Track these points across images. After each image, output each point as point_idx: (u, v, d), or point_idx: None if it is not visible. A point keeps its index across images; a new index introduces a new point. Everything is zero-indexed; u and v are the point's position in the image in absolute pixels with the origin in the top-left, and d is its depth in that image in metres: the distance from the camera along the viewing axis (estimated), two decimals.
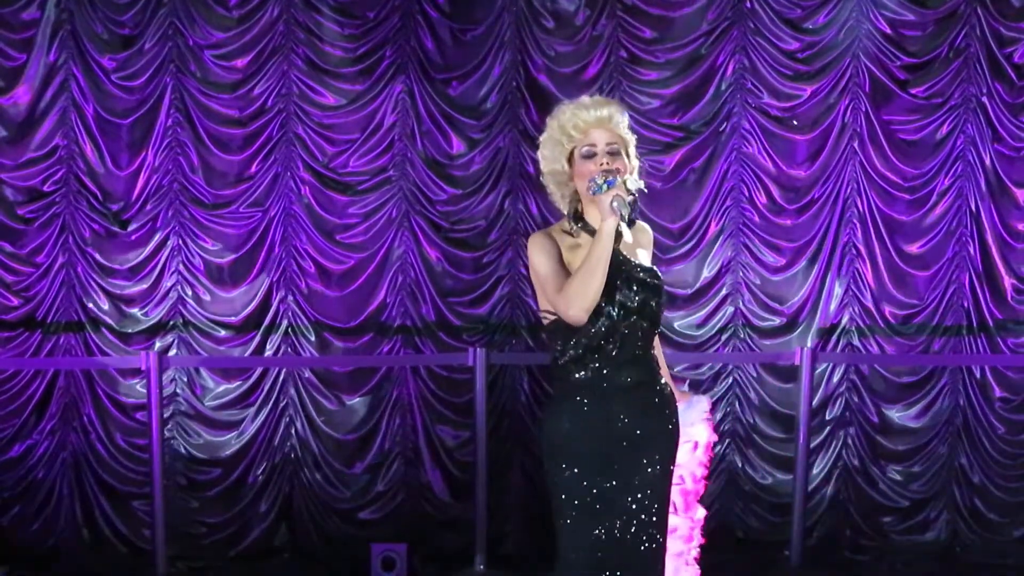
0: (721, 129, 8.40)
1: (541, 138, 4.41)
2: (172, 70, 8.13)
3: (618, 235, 4.19)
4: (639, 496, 4.35)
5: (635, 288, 4.30)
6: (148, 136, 8.14)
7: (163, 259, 8.19)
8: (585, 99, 4.32)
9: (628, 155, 4.33)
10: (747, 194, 8.47)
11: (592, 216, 4.29)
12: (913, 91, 8.43)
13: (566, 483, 4.40)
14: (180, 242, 8.20)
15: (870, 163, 8.46)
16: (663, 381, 4.46)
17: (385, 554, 7.70)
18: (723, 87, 8.43)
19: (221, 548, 8.23)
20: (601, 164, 4.24)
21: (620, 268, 4.27)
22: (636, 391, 4.35)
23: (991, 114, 8.41)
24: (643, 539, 4.35)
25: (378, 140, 8.29)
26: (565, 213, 4.39)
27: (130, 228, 8.16)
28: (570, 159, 4.30)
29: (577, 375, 4.34)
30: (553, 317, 4.30)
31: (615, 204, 4.11)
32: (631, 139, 4.37)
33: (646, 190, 4.42)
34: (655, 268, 4.43)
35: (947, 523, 8.53)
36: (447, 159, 8.36)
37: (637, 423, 4.34)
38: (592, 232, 4.24)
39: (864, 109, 8.42)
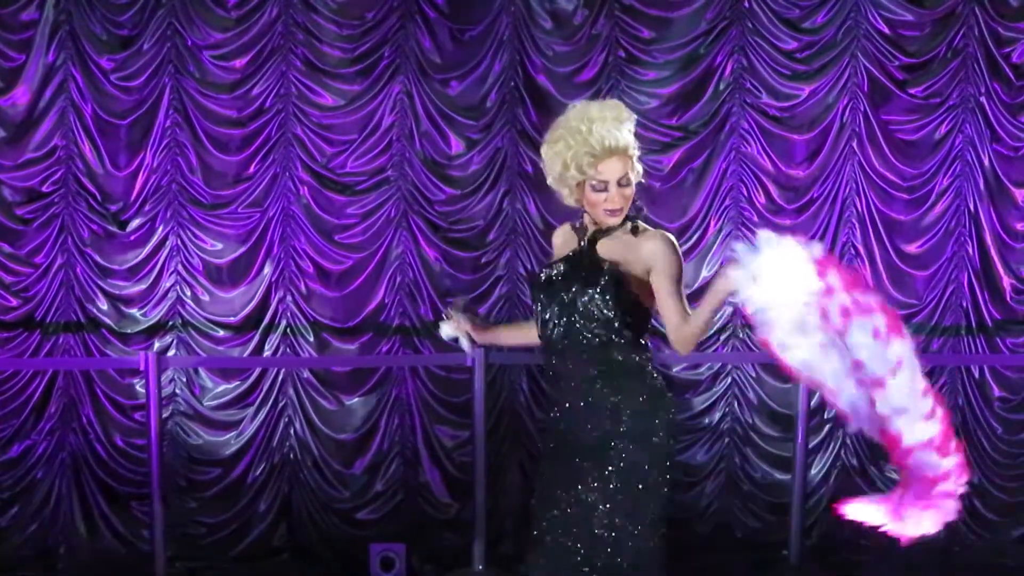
0: (720, 129, 8.40)
1: (543, 150, 4.41)
2: (171, 70, 8.13)
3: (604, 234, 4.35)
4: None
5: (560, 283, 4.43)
6: (147, 137, 8.14)
7: (162, 259, 8.19)
8: (596, 127, 4.26)
9: (632, 169, 4.40)
10: (746, 194, 8.47)
11: (604, 224, 4.43)
12: (912, 91, 8.43)
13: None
14: (179, 242, 8.20)
15: (869, 163, 8.46)
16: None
17: (384, 554, 7.70)
18: (722, 87, 8.43)
19: (220, 548, 8.23)
20: (614, 200, 4.33)
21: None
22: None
23: (989, 114, 8.42)
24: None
25: (376, 140, 8.30)
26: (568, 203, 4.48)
27: (129, 228, 8.16)
28: (578, 187, 4.35)
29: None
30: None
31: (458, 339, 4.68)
32: (635, 153, 4.40)
33: (644, 182, 4.47)
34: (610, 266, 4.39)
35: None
36: (446, 159, 8.37)
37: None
38: (603, 232, 4.44)
39: (863, 109, 8.43)
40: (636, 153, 4.41)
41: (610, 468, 4.38)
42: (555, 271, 4.45)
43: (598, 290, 4.33)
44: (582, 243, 4.44)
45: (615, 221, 4.41)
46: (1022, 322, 8.56)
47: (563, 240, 4.60)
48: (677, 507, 8.26)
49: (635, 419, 4.38)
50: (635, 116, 4.48)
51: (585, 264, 4.40)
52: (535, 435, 8.41)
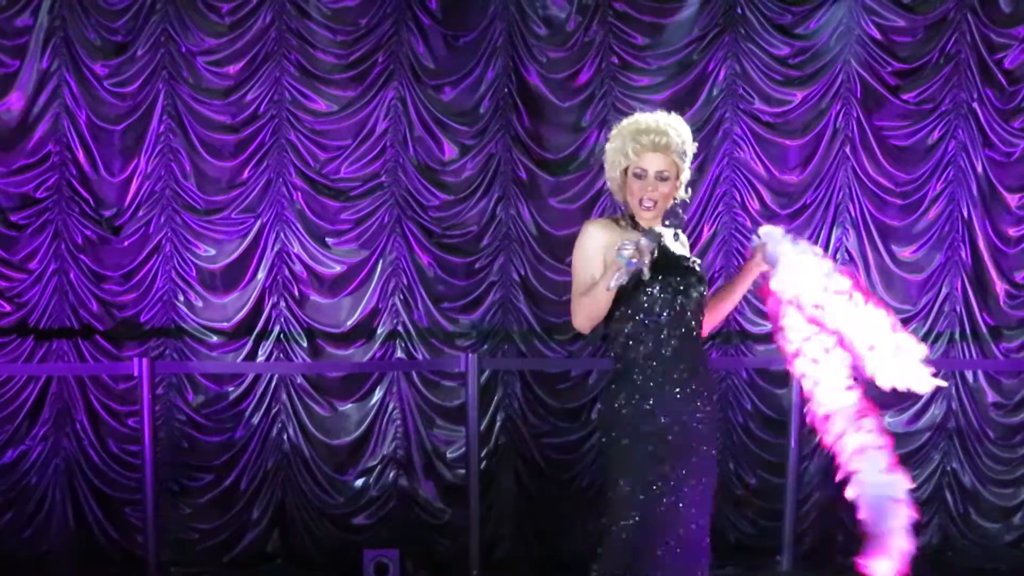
0: (713, 135, 8.41)
1: (607, 147, 4.68)
2: (164, 76, 8.14)
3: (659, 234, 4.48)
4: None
5: (679, 273, 4.60)
6: (140, 142, 8.15)
7: (155, 265, 8.19)
8: (648, 120, 4.59)
9: (679, 181, 4.62)
10: (739, 199, 8.48)
11: (640, 217, 4.62)
12: (904, 97, 8.45)
13: None
14: (172, 248, 8.20)
15: (862, 168, 8.48)
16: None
17: (378, 560, 7.70)
18: (715, 93, 8.45)
19: (214, 554, 8.23)
20: (644, 190, 4.56)
21: (667, 256, 4.58)
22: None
23: (982, 119, 8.44)
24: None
25: (370, 146, 8.31)
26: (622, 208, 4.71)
27: (122, 234, 8.17)
28: (624, 172, 4.61)
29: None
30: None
31: (615, 279, 4.34)
32: (685, 165, 4.61)
33: (688, 201, 4.72)
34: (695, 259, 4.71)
35: (939, 528, 8.54)
36: (439, 165, 8.38)
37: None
38: (640, 230, 4.56)
39: (855, 114, 8.44)
40: (683, 164, 4.60)
41: (712, 454, 4.67)
42: (675, 258, 4.61)
43: (705, 283, 4.67)
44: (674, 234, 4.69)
45: (649, 215, 4.61)
46: (1016, 327, 8.57)
47: (608, 232, 4.62)
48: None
49: (715, 409, 4.71)
50: (694, 141, 4.68)
51: (688, 257, 4.69)
52: (529, 440, 8.41)
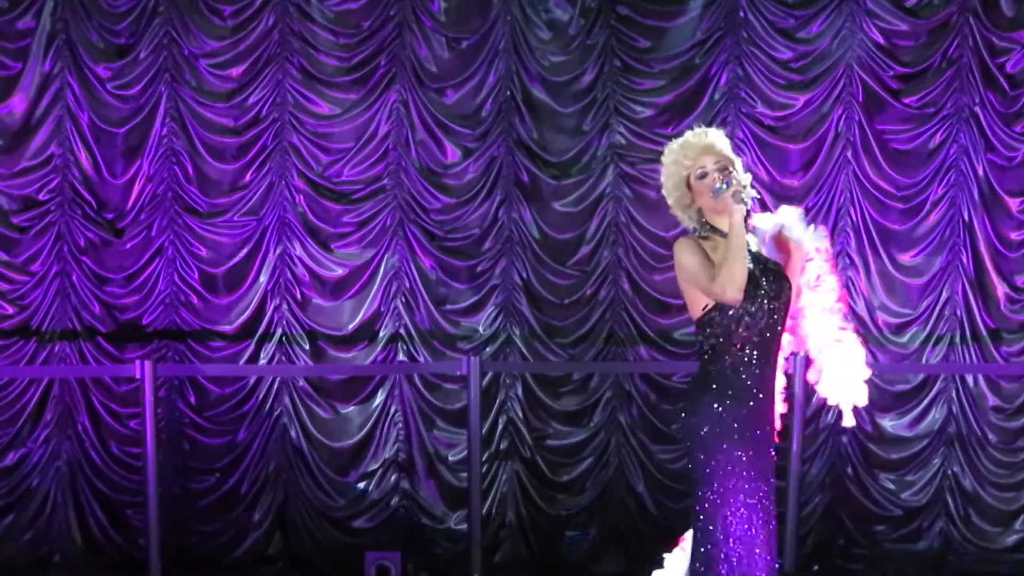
0: None
1: (661, 179, 4.87)
2: (167, 79, 8.15)
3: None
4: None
5: (770, 277, 4.74)
6: (143, 145, 8.16)
7: (158, 268, 8.20)
8: (687, 133, 4.86)
9: (736, 170, 4.75)
10: None
11: (718, 222, 4.73)
12: (906, 101, 8.45)
13: None
14: (175, 251, 8.21)
15: (863, 172, 8.48)
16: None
17: (379, 562, 7.71)
18: (717, 96, 8.45)
19: (215, 556, 8.23)
20: (714, 179, 4.70)
21: (756, 261, 4.75)
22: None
23: (984, 124, 8.44)
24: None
25: (372, 149, 8.31)
26: (691, 230, 4.84)
27: (125, 237, 8.17)
28: (688, 184, 4.78)
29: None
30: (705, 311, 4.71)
31: (737, 196, 4.58)
32: (736, 159, 4.80)
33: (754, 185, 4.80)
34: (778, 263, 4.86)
35: (940, 531, 8.54)
36: (441, 168, 8.38)
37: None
38: (722, 234, 4.69)
39: (857, 118, 8.44)
40: (733, 156, 4.78)
41: None
42: (758, 266, 4.73)
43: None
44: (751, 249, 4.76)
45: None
46: (1017, 331, 8.58)
47: (698, 244, 4.74)
48: (671, 515, 8.29)
49: None
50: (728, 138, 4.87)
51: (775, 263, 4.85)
52: (531, 443, 8.42)
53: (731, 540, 4.65)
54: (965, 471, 8.55)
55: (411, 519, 8.38)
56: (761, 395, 4.72)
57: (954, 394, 8.56)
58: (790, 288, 4.79)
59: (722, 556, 4.64)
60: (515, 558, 8.38)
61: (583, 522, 8.44)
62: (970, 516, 8.53)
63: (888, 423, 8.54)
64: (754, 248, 4.78)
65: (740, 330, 4.65)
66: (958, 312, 8.53)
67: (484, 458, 8.11)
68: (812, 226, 4.92)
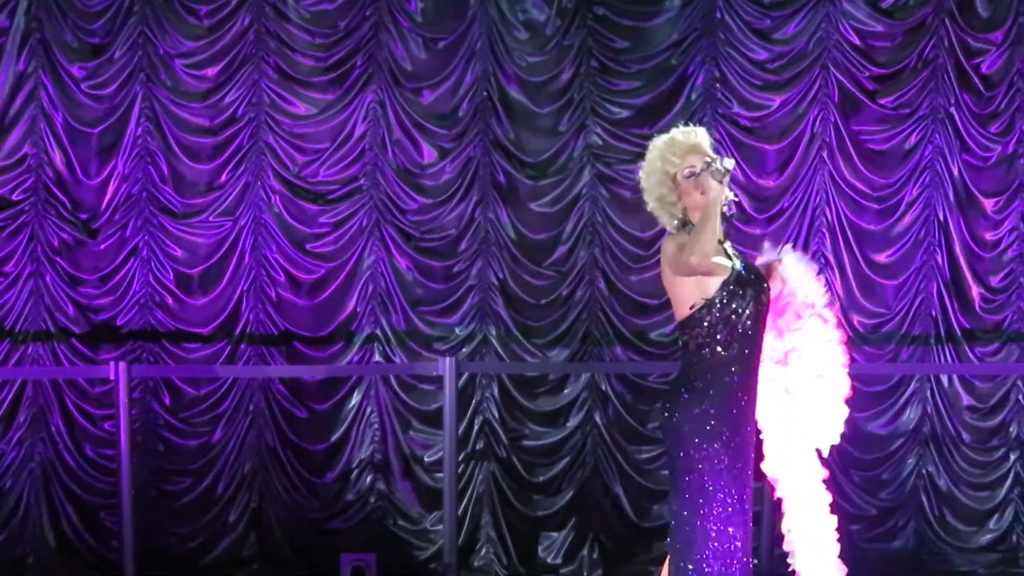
0: None
1: (641, 175, 4.90)
2: (142, 79, 8.11)
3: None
4: None
5: (754, 279, 4.79)
6: (118, 145, 8.11)
7: (132, 268, 8.15)
8: (675, 130, 4.89)
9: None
10: None
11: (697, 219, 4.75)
12: (882, 101, 8.48)
13: None
14: (149, 251, 8.17)
15: (839, 173, 8.50)
16: None
17: (355, 563, 7.69)
18: (693, 97, 8.46)
19: (190, 559, 8.19)
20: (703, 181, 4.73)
21: (746, 266, 4.80)
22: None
23: (959, 124, 8.48)
24: None
25: (349, 149, 8.29)
26: (669, 230, 4.88)
27: (99, 237, 8.13)
28: (673, 182, 4.80)
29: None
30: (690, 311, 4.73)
31: (716, 173, 4.66)
32: (717, 157, 4.82)
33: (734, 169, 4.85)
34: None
35: (915, 531, 8.57)
36: (418, 168, 8.36)
37: None
38: None
39: (833, 119, 8.47)
40: (715, 155, 4.80)
41: None
42: (741, 266, 4.77)
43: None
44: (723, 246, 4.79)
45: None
46: (991, 331, 8.62)
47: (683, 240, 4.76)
48: (649, 516, 8.30)
49: None
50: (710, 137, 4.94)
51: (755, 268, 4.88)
52: (507, 444, 8.42)
53: (710, 540, 4.65)
54: (940, 471, 8.59)
55: (387, 520, 8.36)
56: (743, 396, 4.72)
57: (929, 394, 8.60)
58: (770, 291, 4.81)
59: (700, 556, 4.64)
60: (490, 559, 8.38)
61: (559, 522, 8.44)
62: (944, 515, 8.57)
63: (863, 423, 8.57)
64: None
65: (725, 330, 4.66)
66: (933, 312, 8.57)
67: (460, 459, 8.10)
68: (811, 274, 4.89)
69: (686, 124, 8.11)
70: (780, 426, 4.87)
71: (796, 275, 4.85)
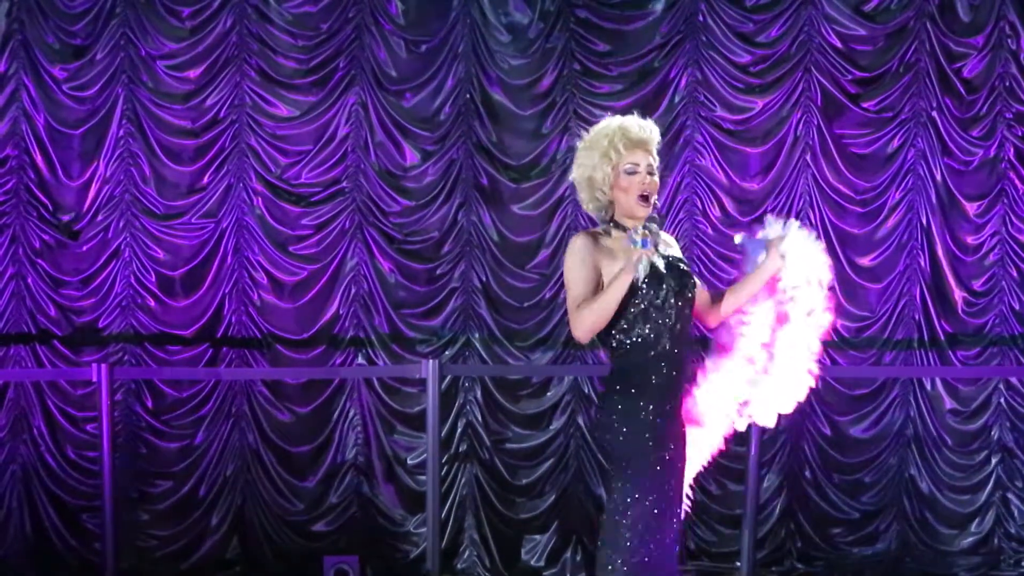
0: (674, 142, 8.42)
1: (579, 145, 4.72)
2: (124, 80, 8.10)
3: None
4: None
5: (675, 273, 4.60)
6: (100, 147, 8.10)
7: (114, 270, 8.14)
8: (632, 120, 4.66)
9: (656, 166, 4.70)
10: (700, 206, 8.50)
11: (626, 223, 4.61)
12: (864, 105, 8.50)
13: None
14: (131, 253, 8.16)
15: (822, 176, 8.52)
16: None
17: (338, 566, 7.69)
18: (676, 100, 8.47)
19: (173, 561, 8.18)
20: (642, 184, 4.60)
21: (668, 265, 4.60)
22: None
23: (941, 128, 8.50)
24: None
25: (331, 151, 8.28)
26: (592, 215, 4.74)
27: (81, 239, 8.11)
28: (614, 170, 4.62)
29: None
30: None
31: (638, 266, 4.44)
32: (656, 161, 4.69)
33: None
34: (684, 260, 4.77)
35: (897, 534, 8.58)
36: (400, 171, 8.36)
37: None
38: (622, 229, 4.59)
39: (816, 122, 8.48)
40: (658, 159, 4.67)
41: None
42: (668, 259, 4.60)
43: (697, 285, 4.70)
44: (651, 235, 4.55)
45: (644, 210, 4.60)
46: (974, 335, 8.63)
47: (596, 241, 4.63)
48: None
49: None
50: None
51: (682, 260, 4.71)
52: (490, 447, 8.41)
53: (637, 536, 4.54)
54: (922, 474, 8.60)
55: (370, 523, 8.35)
56: (671, 393, 4.59)
57: (911, 397, 8.61)
58: (695, 286, 4.65)
59: (629, 547, 4.53)
60: (473, 562, 8.37)
61: (542, 525, 8.44)
62: (927, 518, 8.58)
63: (846, 426, 8.58)
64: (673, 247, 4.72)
65: (645, 325, 4.53)
66: (916, 316, 8.59)
67: (443, 461, 8.10)
68: (814, 249, 4.73)
69: (668, 127, 8.28)
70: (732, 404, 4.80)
71: (799, 251, 4.68)
